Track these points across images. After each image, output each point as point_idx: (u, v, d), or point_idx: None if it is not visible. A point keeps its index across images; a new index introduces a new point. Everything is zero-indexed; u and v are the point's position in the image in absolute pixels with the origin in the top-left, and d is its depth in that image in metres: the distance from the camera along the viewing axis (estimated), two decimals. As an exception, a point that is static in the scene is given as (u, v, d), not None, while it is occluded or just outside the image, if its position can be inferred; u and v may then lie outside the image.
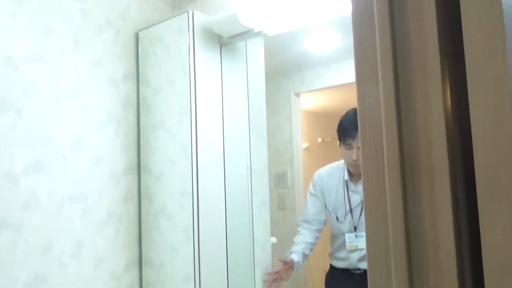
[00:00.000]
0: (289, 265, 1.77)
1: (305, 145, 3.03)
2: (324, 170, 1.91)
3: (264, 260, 1.79)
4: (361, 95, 0.54)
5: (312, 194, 1.90)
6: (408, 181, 0.49)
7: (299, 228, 1.91)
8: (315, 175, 1.93)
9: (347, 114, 1.82)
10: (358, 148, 1.71)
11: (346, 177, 1.82)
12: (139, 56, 1.79)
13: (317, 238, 1.89)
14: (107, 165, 1.62)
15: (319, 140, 3.02)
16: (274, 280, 1.74)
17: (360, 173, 1.67)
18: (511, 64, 0.42)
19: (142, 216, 1.70)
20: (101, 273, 1.56)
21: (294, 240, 1.89)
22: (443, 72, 0.48)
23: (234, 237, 1.60)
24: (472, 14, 0.44)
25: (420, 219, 0.48)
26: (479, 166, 0.42)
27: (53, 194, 1.45)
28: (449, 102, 0.48)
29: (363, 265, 1.74)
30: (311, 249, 1.88)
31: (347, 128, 1.76)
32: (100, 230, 1.57)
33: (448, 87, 0.48)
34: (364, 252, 1.74)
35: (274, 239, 1.96)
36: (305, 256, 1.85)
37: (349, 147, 1.74)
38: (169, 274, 1.59)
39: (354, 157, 1.74)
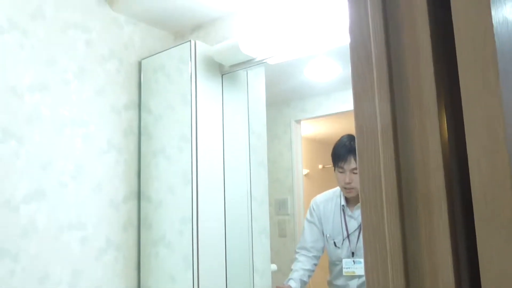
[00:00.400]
0: None
1: (305, 171, 3.02)
2: (320, 197, 1.93)
3: (264, 290, 1.76)
4: (359, 128, 0.54)
5: (309, 221, 1.90)
6: (406, 213, 0.49)
7: (296, 255, 1.90)
8: (312, 202, 1.95)
9: (340, 139, 1.88)
10: (350, 171, 1.76)
11: (343, 202, 1.84)
12: (142, 84, 1.81)
13: (315, 265, 1.88)
14: (107, 192, 1.62)
15: (320, 166, 3.02)
16: None
17: (356, 198, 1.68)
18: (506, 100, 0.43)
19: (142, 243, 1.68)
20: (98, 303, 1.54)
21: (292, 267, 1.88)
22: (440, 106, 0.49)
23: (234, 265, 1.58)
24: (467, 52, 0.46)
25: (419, 251, 0.48)
26: (476, 202, 0.42)
27: (52, 221, 1.45)
28: (446, 135, 0.49)
29: None
30: (309, 276, 1.86)
31: (339, 152, 1.83)
32: (99, 258, 1.56)
33: (445, 121, 0.49)
34: (363, 279, 1.72)
35: (274, 266, 1.94)
36: (303, 283, 1.83)
37: (342, 170, 1.79)
38: (168, 304, 1.57)
39: (347, 180, 1.78)
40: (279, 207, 2.78)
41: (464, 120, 0.44)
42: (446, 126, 0.49)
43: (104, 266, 1.57)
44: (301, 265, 1.84)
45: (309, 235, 1.88)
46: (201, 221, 1.51)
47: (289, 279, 1.82)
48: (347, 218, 1.82)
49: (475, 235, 0.43)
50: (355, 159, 1.78)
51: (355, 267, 1.75)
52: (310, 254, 1.86)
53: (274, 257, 2.00)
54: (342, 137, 1.89)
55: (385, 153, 0.50)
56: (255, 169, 1.86)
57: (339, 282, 1.80)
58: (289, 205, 2.77)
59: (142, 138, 1.77)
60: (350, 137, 1.89)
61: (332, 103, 2.75)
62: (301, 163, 2.92)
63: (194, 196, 1.53)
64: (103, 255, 1.57)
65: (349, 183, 1.79)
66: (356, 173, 1.77)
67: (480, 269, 0.42)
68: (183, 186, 1.58)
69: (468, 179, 0.44)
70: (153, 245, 1.64)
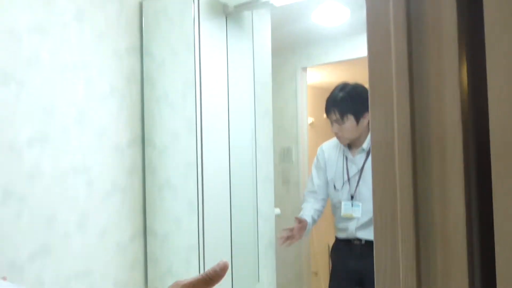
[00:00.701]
0: (303, 224, 1.89)
1: (310, 120, 3.00)
2: (326, 144, 2.05)
3: (267, 232, 1.82)
4: (372, 68, 0.52)
5: (316, 167, 2.03)
6: (418, 153, 0.47)
7: (305, 197, 2.03)
8: (319, 149, 2.07)
9: (333, 89, 1.97)
10: (335, 121, 1.90)
11: (345, 148, 1.94)
12: (143, 28, 1.76)
13: (323, 206, 2.01)
14: (111, 137, 1.62)
15: (325, 115, 3.01)
16: (288, 237, 1.86)
17: (357, 143, 1.81)
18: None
19: (147, 188, 1.71)
20: (106, 243, 1.58)
21: (302, 206, 2.02)
22: (460, 42, 0.46)
23: (238, 209, 1.61)
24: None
25: (430, 192, 0.47)
26: (494, 139, 0.41)
27: (57, 165, 1.46)
28: (465, 74, 0.46)
29: (362, 235, 1.83)
30: (319, 216, 2.01)
31: (326, 103, 1.95)
32: (105, 201, 1.59)
33: (465, 60, 0.47)
34: (362, 221, 1.81)
35: (278, 210, 2.00)
36: (313, 221, 1.97)
37: (330, 120, 1.92)
38: (174, 244, 1.62)
39: (335, 130, 1.91)
40: (283, 155, 2.80)
41: (487, 54, 0.42)
42: (465, 64, 0.47)
43: (110, 209, 1.60)
44: (311, 205, 1.98)
45: (316, 179, 2.00)
46: (205, 167, 1.52)
47: (301, 215, 1.96)
48: (348, 163, 1.92)
49: (487, 177, 0.42)
50: (334, 112, 1.91)
51: (353, 210, 1.85)
52: (319, 197, 1.99)
53: (277, 203, 2.06)
54: (336, 86, 1.97)
55: (398, 90, 0.47)
56: (259, 117, 1.86)
57: (341, 225, 1.91)
58: (293, 153, 2.78)
59: (145, 83, 1.74)
60: (342, 86, 1.97)
61: (339, 50, 2.68)
62: (306, 112, 2.90)
63: (199, 142, 1.53)
64: (109, 198, 1.60)
65: (336, 133, 1.92)
66: (340, 124, 1.89)
67: (494, 207, 0.41)
68: (187, 132, 1.57)
69: (483, 125, 0.42)
70: (158, 190, 1.67)
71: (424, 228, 0.47)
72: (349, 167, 1.89)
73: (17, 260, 1.34)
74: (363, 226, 1.81)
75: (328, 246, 2.90)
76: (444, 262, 0.47)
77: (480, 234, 0.47)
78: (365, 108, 1.84)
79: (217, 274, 0.70)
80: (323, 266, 2.86)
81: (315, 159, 2.05)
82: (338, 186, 1.91)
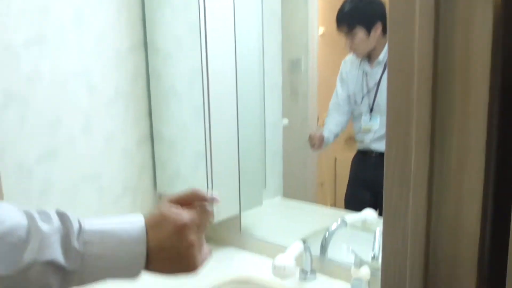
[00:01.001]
0: (319, 139, 1.98)
1: (321, 30, 2.86)
2: (349, 57, 2.01)
3: (275, 141, 1.82)
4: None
5: (339, 80, 2.02)
6: (439, 86, 0.43)
7: (329, 111, 2.05)
8: (342, 62, 2.04)
9: (343, 2, 1.86)
10: (345, 35, 1.83)
11: (365, 60, 1.88)
12: None
13: (348, 119, 2.03)
14: (111, 42, 1.55)
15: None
16: (313, 145, 2.00)
17: (375, 55, 1.73)
18: None
19: (152, 94, 1.68)
20: (113, 148, 1.59)
21: (325, 120, 2.06)
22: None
23: (245, 118, 1.59)
24: None
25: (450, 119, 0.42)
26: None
27: (56, 68, 1.41)
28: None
29: (375, 146, 1.87)
30: (342, 129, 2.03)
31: (336, 16, 1.85)
32: (109, 106, 1.56)
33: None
34: (377, 135, 1.83)
35: (286, 120, 2.00)
36: (335, 135, 2.02)
37: (343, 34, 1.86)
38: (181, 149, 1.62)
39: (347, 44, 1.85)
40: (292, 66, 2.71)
41: None
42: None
43: (115, 115, 1.59)
44: (333, 118, 2.01)
45: (340, 91, 2.00)
46: (211, 73, 1.47)
47: (322, 131, 2.00)
48: (368, 75, 1.89)
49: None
50: (343, 25, 1.83)
51: (371, 123, 1.87)
52: (343, 109, 2.00)
53: (285, 114, 2.05)
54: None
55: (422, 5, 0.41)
56: (267, 25, 1.77)
57: (358, 137, 1.96)
58: (303, 64, 2.69)
59: (145, -15, 1.62)
60: None
61: None
62: (317, 22, 2.75)
63: (203, 47, 1.46)
64: (113, 104, 1.58)
65: (349, 47, 1.86)
66: (350, 38, 1.82)
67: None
68: (191, 36, 1.50)
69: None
70: (163, 96, 1.64)
71: (441, 128, 0.43)
72: (368, 80, 1.88)
73: (25, 163, 1.35)
74: (379, 138, 1.84)
75: (335, 159, 2.93)
76: (458, 160, 0.44)
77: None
78: (376, 19, 1.80)
79: (203, 196, 0.68)
80: (329, 178, 2.91)
81: (339, 72, 2.06)
82: (358, 99, 1.92)
